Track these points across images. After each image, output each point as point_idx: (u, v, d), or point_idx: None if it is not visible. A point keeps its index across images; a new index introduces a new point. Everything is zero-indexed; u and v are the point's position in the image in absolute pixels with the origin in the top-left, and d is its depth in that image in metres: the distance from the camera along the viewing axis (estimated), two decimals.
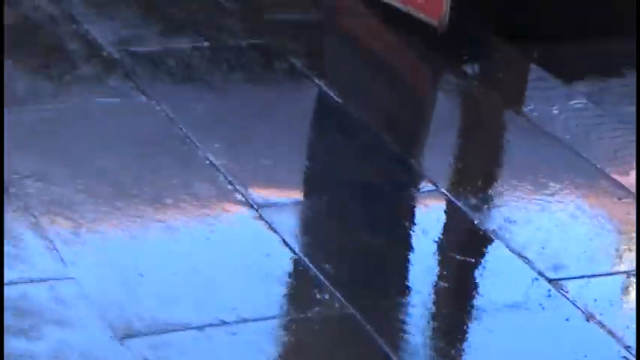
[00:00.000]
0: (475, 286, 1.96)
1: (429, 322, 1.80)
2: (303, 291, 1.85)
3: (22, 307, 1.62)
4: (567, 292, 1.84)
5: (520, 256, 2.01)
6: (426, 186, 2.36)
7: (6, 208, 2.01)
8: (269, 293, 1.81)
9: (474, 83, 3.11)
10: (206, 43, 3.12)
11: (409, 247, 2.13)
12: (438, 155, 2.58)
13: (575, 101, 3.02)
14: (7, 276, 1.71)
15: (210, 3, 3.41)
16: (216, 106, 2.77)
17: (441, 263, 2.03)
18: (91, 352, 1.47)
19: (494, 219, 2.22)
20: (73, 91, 2.67)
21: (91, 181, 2.18)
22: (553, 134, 2.69)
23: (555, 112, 2.86)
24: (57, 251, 1.82)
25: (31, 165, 2.21)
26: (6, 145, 2.28)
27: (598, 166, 2.51)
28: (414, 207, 2.35)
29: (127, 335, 1.54)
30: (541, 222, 2.22)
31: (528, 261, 1.98)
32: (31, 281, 1.74)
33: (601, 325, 1.76)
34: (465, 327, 1.78)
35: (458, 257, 2.02)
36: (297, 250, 1.94)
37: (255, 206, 2.12)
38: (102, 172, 2.18)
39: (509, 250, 2.05)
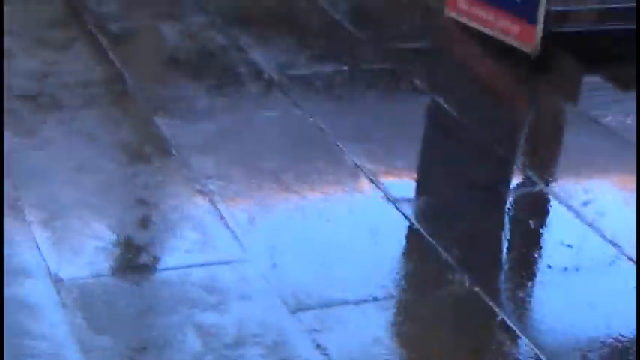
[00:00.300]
0: (576, 268, 2.05)
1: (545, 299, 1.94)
2: (436, 272, 1.97)
3: (210, 285, 1.80)
4: None
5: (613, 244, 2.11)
6: (529, 183, 2.49)
7: (195, 203, 2.26)
8: (408, 273, 2.00)
9: (561, 101, 3.17)
10: (345, 67, 3.24)
11: (521, 235, 2.26)
12: (538, 158, 2.72)
13: None
14: (198, 259, 1.95)
15: (346, 35, 3.50)
16: (356, 118, 2.87)
17: (548, 248, 2.16)
18: (268, 323, 1.63)
19: (590, 211, 2.30)
20: (243, 107, 2.89)
21: (261, 178, 2.37)
22: (628, 139, 2.74)
23: (629, 121, 2.87)
24: (237, 239, 2.01)
25: (212, 167, 2.42)
26: (190, 151, 2.53)
27: None
28: (523, 201, 2.45)
29: (298, 309, 1.71)
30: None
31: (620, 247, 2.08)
32: (218, 263, 1.93)
33: None
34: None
35: (564, 244, 2.12)
36: (428, 236, 2.06)
37: (392, 200, 2.27)
38: (269, 171, 2.37)
39: (603, 238, 2.14)
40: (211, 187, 2.32)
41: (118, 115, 2.75)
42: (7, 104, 2.62)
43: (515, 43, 3.28)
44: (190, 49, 3.26)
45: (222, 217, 2.16)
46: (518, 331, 1.68)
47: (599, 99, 3.19)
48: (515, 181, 2.67)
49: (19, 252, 1.90)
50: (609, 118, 2.95)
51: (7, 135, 2.43)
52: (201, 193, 2.28)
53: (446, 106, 3.00)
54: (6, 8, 3.23)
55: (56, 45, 3.11)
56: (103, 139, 2.58)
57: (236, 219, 2.16)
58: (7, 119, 2.52)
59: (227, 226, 2.11)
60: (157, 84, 2.97)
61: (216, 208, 2.20)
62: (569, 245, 2.14)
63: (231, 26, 3.40)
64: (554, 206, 2.41)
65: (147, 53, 3.25)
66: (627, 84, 3.25)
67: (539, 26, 3.16)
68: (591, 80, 3.37)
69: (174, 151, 2.49)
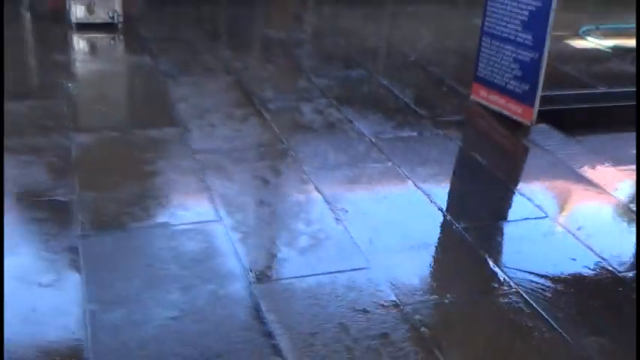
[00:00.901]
0: None
1: None
2: None
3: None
4: None
5: None
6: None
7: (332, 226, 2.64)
8: None
9: (544, 153, 3.59)
10: (415, 133, 3.77)
11: None
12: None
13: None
14: None
15: (412, 112, 4.02)
16: (426, 162, 3.34)
17: None
18: None
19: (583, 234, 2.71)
20: (357, 160, 3.28)
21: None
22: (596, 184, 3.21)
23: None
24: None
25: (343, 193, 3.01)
26: (331, 186, 2.94)
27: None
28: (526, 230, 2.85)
29: None
30: None
31: None
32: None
33: None
34: None
35: None
36: None
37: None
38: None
39: None
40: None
41: (281, 166, 3.20)
42: (214, 159, 3.13)
43: (518, 118, 3.97)
44: (318, 120, 3.75)
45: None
46: None
47: (574, 151, 3.66)
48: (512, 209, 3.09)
49: None
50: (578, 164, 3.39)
51: (220, 178, 2.95)
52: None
53: (477, 156, 3.50)
54: (204, 95, 3.97)
55: (239, 118, 3.68)
56: (272, 181, 3.03)
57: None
58: (214, 171, 3.00)
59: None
60: (302, 145, 3.40)
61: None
62: None
63: (342, 106, 3.92)
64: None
65: (294, 123, 3.75)
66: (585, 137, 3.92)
67: (536, 109, 3.88)
68: (565, 138, 3.85)
69: (318, 187, 2.91)
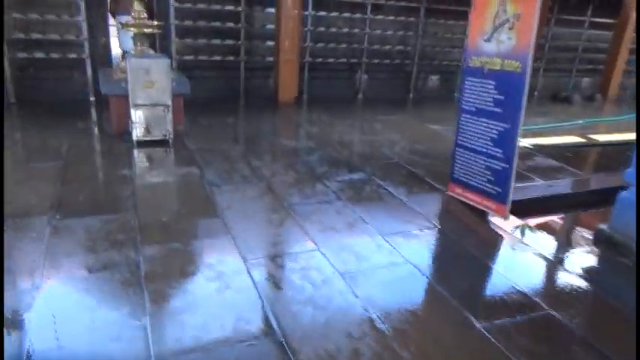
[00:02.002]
0: None
1: None
2: None
3: None
4: None
5: None
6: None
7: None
8: None
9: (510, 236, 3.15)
10: (415, 230, 3.28)
11: None
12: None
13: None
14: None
15: (425, 184, 3.56)
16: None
17: None
18: None
19: None
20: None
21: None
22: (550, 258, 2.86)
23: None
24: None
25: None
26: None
27: None
28: None
29: None
30: None
31: None
32: None
33: None
34: None
35: None
36: None
37: None
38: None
39: None
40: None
41: (320, 272, 2.69)
42: (263, 264, 2.60)
43: (493, 213, 3.54)
44: (340, 222, 3.25)
45: None
46: None
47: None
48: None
49: None
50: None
51: (271, 286, 2.49)
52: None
53: (451, 235, 3.24)
54: (245, 202, 3.44)
55: (276, 223, 3.19)
56: (317, 284, 2.55)
57: None
58: (264, 275, 2.52)
59: None
60: (332, 246, 2.92)
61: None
62: None
63: (355, 206, 3.46)
64: None
65: (321, 225, 3.19)
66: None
67: (508, 206, 3.43)
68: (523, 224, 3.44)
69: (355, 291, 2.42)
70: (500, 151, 3.47)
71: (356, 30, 7.92)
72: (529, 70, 3.18)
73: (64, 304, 2.18)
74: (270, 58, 7.34)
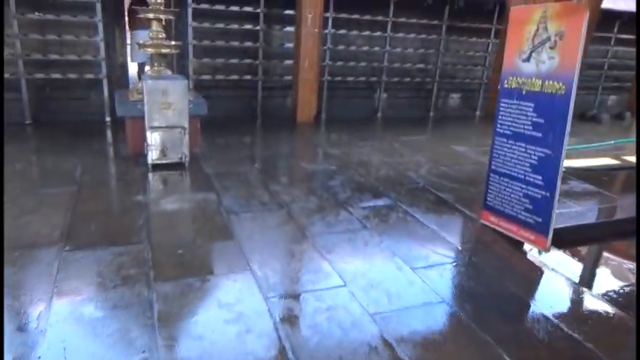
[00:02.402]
0: None
1: None
2: None
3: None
4: None
5: None
6: None
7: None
8: None
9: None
10: (448, 261, 3.04)
11: None
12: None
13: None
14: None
15: (449, 208, 3.33)
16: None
17: None
18: None
19: None
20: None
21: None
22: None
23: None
24: None
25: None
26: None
27: None
28: None
29: None
30: None
31: None
32: None
33: None
34: None
35: None
36: None
37: None
38: None
39: None
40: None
41: (349, 314, 2.53)
42: (285, 304, 2.41)
43: (532, 244, 3.26)
44: (367, 255, 3.05)
45: None
46: None
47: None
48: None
49: None
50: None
51: (292, 325, 2.28)
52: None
53: (488, 269, 2.93)
54: (265, 231, 3.21)
55: (298, 256, 2.97)
56: (345, 327, 2.37)
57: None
58: (286, 315, 2.33)
59: None
60: (363, 286, 2.71)
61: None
62: None
63: (382, 236, 3.26)
64: None
65: (347, 259, 2.97)
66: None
67: (550, 237, 3.15)
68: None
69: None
70: (540, 178, 3.21)
71: (376, 48, 7.77)
72: (574, 93, 2.92)
73: (70, 349, 1.98)
74: (289, 77, 7.20)
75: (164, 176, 4.20)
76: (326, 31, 6.98)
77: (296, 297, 2.51)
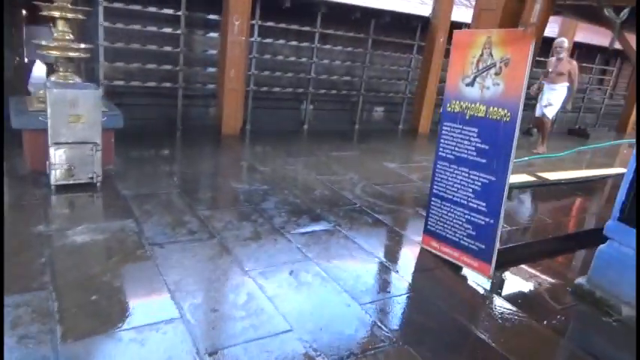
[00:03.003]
0: None
1: None
2: None
3: None
4: None
5: None
6: None
7: None
8: None
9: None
10: (391, 293, 2.90)
11: None
12: None
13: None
14: None
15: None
16: None
17: None
18: None
19: None
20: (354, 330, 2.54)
21: None
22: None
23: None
24: None
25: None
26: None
27: None
28: None
29: None
30: None
31: None
32: None
33: None
34: None
35: None
36: None
37: None
38: None
39: None
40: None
41: None
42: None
43: (475, 271, 3.21)
44: (312, 293, 2.78)
45: None
46: None
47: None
48: None
49: None
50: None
51: None
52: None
53: (436, 300, 2.77)
54: (196, 269, 2.85)
55: (241, 300, 2.63)
56: None
57: None
58: None
59: None
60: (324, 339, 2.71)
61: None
62: None
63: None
64: None
65: (295, 303, 2.75)
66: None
67: (493, 265, 3.11)
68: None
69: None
70: (483, 204, 3.16)
71: (303, 59, 7.56)
72: (519, 120, 2.89)
73: None
74: (212, 86, 6.76)
75: (71, 200, 3.62)
76: (252, 39, 6.63)
77: (237, 349, 2.16)
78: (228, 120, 6.28)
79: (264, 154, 5.83)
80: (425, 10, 8.17)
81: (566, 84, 7.36)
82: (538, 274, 3.47)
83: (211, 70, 6.72)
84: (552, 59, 7.42)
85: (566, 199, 5.50)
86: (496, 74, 3.01)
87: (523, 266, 3.49)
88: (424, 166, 5.89)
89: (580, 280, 3.34)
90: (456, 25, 8.23)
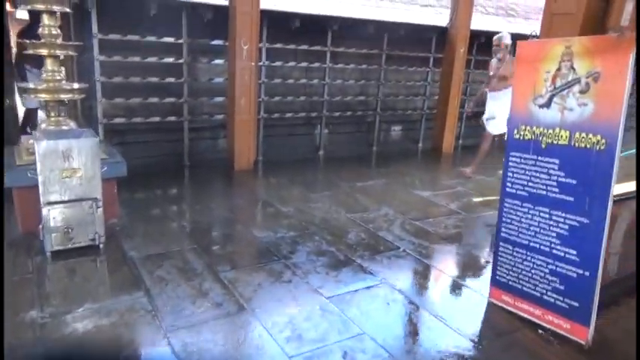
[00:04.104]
0: None
1: None
2: None
3: None
4: None
5: None
6: None
7: None
8: None
9: None
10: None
11: None
12: None
13: None
14: None
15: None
16: None
17: None
18: None
19: None
20: None
21: None
22: None
23: None
24: None
25: None
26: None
27: None
28: None
29: None
30: None
31: None
32: None
33: None
34: None
35: None
36: None
37: None
38: None
39: None
40: None
41: None
42: None
43: (565, 333, 2.62)
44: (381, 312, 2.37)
45: None
46: None
47: None
48: None
49: None
50: None
51: None
52: None
53: None
54: (192, 332, 2.29)
55: None
56: None
57: None
58: None
59: None
60: None
61: None
62: None
63: (389, 280, 2.45)
64: None
65: None
66: None
67: (592, 327, 2.52)
68: None
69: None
70: (574, 252, 2.58)
71: (315, 81, 7.05)
72: (619, 148, 2.30)
73: None
74: (220, 116, 6.23)
75: (70, 269, 3.06)
76: (260, 63, 6.11)
77: None
78: (241, 153, 5.73)
79: (283, 190, 5.25)
80: (441, 19, 7.66)
81: (510, 89, 5.98)
82: None
83: (218, 99, 6.22)
84: (493, 61, 5.85)
85: None
86: (581, 92, 2.43)
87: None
88: (460, 192, 5.33)
89: None
90: (475, 34, 7.75)
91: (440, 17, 7.88)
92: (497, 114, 5.63)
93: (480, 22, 8.02)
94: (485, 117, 5.90)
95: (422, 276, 3.31)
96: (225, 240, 3.82)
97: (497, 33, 5.91)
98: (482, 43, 8.14)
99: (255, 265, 3.37)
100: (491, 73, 5.81)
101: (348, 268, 3.32)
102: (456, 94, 7.69)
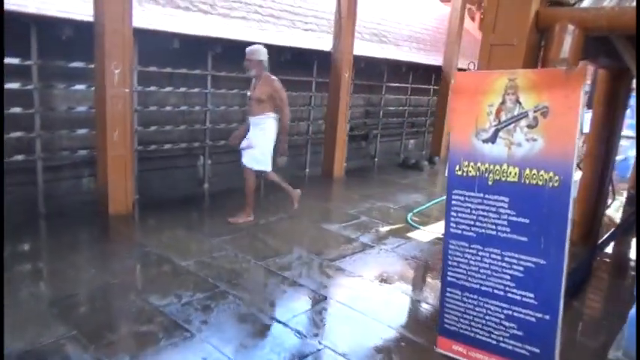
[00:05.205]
0: None
1: None
2: None
3: None
4: None
5: None
6: None
7: None
8: None
9: None
10: None
11: None
12: None
13: None
14: None
15: None
16: None
17: None
18: None
19: None
20: None
21: None
22: None
23: None
24: None
25: None
26: None
27: None
28: None
29: None
30: None
31: None
32: None
33: None
34: None
35: None
36: None
37: None
38: None
39: None
40: None
41: None
42: None
43: None
44: None
45: None
46: None
47: None
48: None
49: None
50: None
51: None
52: None
53: None
54: None
55: None
56: None
57: None
58: None
59: None
60: None
61: None
62: None
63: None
64: None
65: None
66: None
67: None
68: None
69: None
70: (531, 295, 2.45)
71: (196, 107, 6.41)
72: (573, 184, 2.22)
73: None
74: (83, 152, 5.26)
75: None
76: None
77: None
78: (116, 195, 4.86)
79: (175, 238, 4.50)
80: (322, 44, 7.59)
81: (272, 115, 4.73)
82: None
83: (81, 131, 5.26)
84: (254, 80, 4.82)
85: None
86: (530, 127, 2.33)
87: None
88: (366, 223, 5.14)
89: (614, 354, 2.80)
90: (355, 59, 7.82)
91: (321, 41, 7.79)
92: (256, 143, 4.74)
93: (358, 47, 8.11)
94: (242, 145, 4.87)
95: (362, 334, 2.95)
96: (115, 319, 3.02)
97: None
98: (363, 67, 8.26)
99: (165, 347, 2.67)
100: (249, 94, 4.83)
101: (279, 332, 2.81)
102: (344, 119, 7.64)
